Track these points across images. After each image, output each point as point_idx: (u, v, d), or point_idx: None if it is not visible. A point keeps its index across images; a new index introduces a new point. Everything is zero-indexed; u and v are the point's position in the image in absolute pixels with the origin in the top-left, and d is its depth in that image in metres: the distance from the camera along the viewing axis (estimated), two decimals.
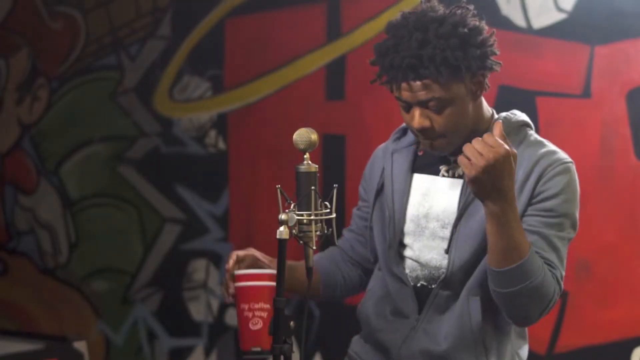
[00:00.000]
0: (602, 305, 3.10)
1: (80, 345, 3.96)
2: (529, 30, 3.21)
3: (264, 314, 1.88)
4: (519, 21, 3.22)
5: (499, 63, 2.01)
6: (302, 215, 1.79)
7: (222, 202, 3.97)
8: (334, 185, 1.88)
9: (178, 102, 4.07)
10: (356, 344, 2.21)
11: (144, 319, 4.19)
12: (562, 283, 1.97)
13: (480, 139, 1.84)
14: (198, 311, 4.05)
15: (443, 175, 2.07)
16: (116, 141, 4.25)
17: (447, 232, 2.03)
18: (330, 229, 1.84)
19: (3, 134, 4.57)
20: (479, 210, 1.96)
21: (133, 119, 4.18)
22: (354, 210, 2.27)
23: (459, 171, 2.03)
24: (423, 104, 1.94)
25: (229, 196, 3.96)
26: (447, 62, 1.90)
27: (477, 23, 1.96)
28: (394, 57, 1.94)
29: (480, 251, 1.98)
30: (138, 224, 4.20)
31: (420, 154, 2.09)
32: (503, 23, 3.23)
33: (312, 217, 1.79)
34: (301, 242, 1.81)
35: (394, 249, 2.09)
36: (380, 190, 2.14)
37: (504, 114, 2.10)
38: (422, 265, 2.07)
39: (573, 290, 3.15)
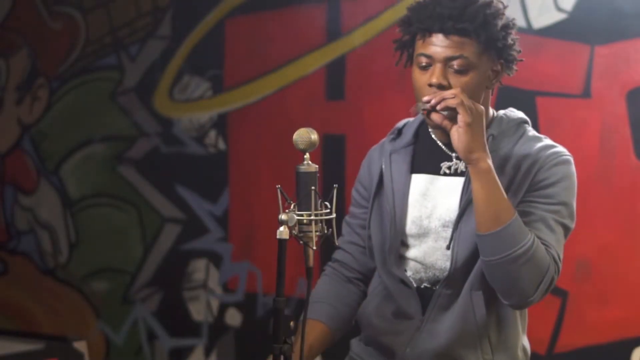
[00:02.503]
0: (602, 305, 3.10)
1: (80, 345, 3.96)
2: (529, 30, 3.21)
3: None
4: (519, 21, 3.21)
5: (514, 69, 2.06)
6: (302, 215, 1.79)
7: (222, 202, 3.97)
8: (334, 185, 1.88)
9: (178, 102, 4.07)
10: (357, 347, 2.19)
11: (144, 319, 4.19)
12: (559, 264, 1.95)
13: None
14: (198, 311, 4.05)
15: (444, 173, 2.06)
16: (116, 141, 4.25)
17: (449, 231, 2.02)
18: (330, 229, 1.84)
19: (3, 134, 4.57)
20: None
21: (133, 119, 4.18)
22: (349, 220, 2.23)
23: (462, 167, 2.04)
24: (449, 61, 1.95)
25: (229, 196, 3.96)
26: (487, 26, 1.94)
27: (514, 22, 2.04)
28: (434, 7, 1.95)
29: None
30: (138, 224, 4.20)
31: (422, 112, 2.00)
32: None
33: (312, 217, 1.79)
34: (301, 242, 1.81)
35: (395, 250, 2.08)
36: (377, 192, 2.13)
37: (502, 111, 2.11)
38: (426, 267, 2.06)
39: (573, 290, 3.15)
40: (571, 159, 2.02)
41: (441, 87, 1.95)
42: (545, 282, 1.92)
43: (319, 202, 1.81)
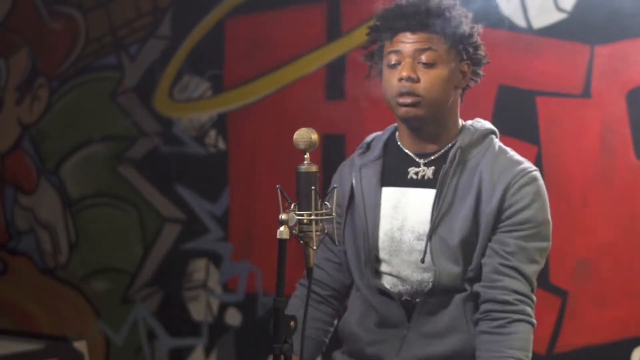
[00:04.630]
0: (602, 305, 3.10)
1: (80, 345, 3.95)
2: (529, 30, 3.21)
3: None
4: (519, 21, 3.22)
5: (480, 74, 2.11)
6: (302, 215, 1.79)
7: (222, 202, 3.97)
8: (334, 185, 1.88)
9: (178, 102, 4.07)
10: (340, 359, 2.19)
11: (144, 319, 4.19)
12: (533, 307, 2.01)
13: None
14: (198, 311, 4.05)
15: (412, 178, 2.08)
16: (116, 141, 4.25)
17: (422, 244, 2.03)
18: (330, 229, 1.84)
19: (3, 134, 4.57)
20: (453, 223, 2.00)
21: (133, 119, 4.18)
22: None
23: (429, 174, 2.07)
24: (417, 54, 2.00)
25: (229, 196, 3.96)
26: (452, 23, 2.00)
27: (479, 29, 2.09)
28: (400, 9, 2.03)
29: (465, 261, 2.00)
30: (138, 224, 4.20)
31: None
32: (503, 23, 3.23)
33: (312, 217, 1.79)
34: (301, 242, 1.81)
35: (370, 265, 2.09)
36: (349, 207, 2.14)
37: (469, 122, 2.13)
38: (402, 280, 2.07)
39: (573, 290, 3.15)
40: (538, 174, 2.04)
41: (410, 80, 1.99)
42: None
43: (319, 202, 1.81)
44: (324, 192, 1.88)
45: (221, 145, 3.97)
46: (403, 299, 2.07)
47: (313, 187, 1.80)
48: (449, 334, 2.03)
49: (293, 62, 3.77)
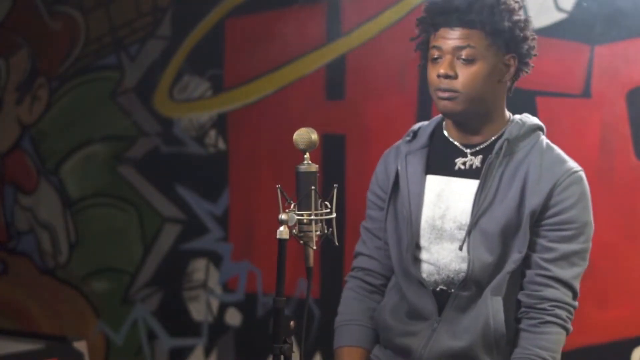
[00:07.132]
0: (602, 305, 3.10)
1: (80, 345, 3.96)
2: None
3: None
4: None
5: (530, 65, 2.15)
6: (302, 215, 1.79)
7: (222, 202, 3.97)
8: (334, 185, 1.88)
9: (178, 102, 4.07)
10: (377, 350, 2.21)
11: (144, 318, 4.19)
12: (571, 307, 2.08)
13: None
14: (198, 311, 4.05)
15: (459, 168, 2.09)
16: (116, 141, 4.25)
17: (463, 234, 2.05)
18: (330, 229, 1.84)
19: (3, 134, 4.57)
20: (495, 212, 2.02)
21: (133, 119, 4.18)
22: (369, 225, 2.25)
23: (477, 163, 2.08)
24: (457, 51, 2.01)
25: (229, 196, 3.96)
26: (493, 19, 2.00)
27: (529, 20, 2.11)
28: (444, 4, 2.03)
29: (500, 252, 2.03)
30: (138, 224, 4.20)
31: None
32: None
33: (312, 217, 1.79)
34: (301, 242, 1.81)
35: (411, 251, 2.10)
36: (392, 194, 2.15)
37: (518, 116, 2.15)
38: (439, 269, 2.08)
39: None
40: (583, 174, 2.11)
41: (448, 77, 2.01)
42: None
43: (319, 201, 1.81)
44: (324, 192, 1.88)
45: (221, 145, 3.97)
46: (438, 289, 2.09)
47: (313, 187, 1.80)
48: (477, 330, 2.04)
49: (293, 62, 3.77)
